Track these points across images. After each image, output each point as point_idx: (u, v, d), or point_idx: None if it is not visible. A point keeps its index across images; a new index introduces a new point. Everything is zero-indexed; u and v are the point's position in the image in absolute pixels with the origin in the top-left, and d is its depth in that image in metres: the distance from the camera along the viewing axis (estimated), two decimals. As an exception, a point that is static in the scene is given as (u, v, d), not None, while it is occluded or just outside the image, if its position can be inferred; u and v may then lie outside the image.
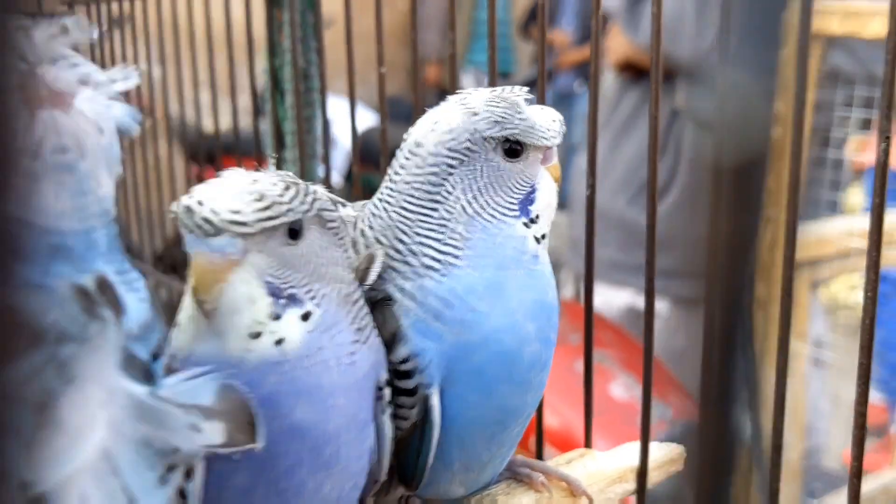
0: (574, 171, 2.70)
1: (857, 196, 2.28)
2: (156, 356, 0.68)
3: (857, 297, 2.84)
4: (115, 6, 2.10)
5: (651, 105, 0.94)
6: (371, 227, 0.86)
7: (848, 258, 1.95)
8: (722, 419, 0.59)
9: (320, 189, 0.79)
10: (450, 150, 0.84)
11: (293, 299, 0.75)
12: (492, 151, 0.84)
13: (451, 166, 0.84)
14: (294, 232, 0.75)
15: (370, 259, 0.84)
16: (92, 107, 0.64)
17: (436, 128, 0.84)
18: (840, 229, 1.97)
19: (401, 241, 0.84)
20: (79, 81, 0.65)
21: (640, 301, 2.32)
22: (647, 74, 2.33)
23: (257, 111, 1.60)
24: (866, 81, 2.11)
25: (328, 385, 0.77)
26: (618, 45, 2.39)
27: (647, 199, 0.96)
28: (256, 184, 0.74)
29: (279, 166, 1.60)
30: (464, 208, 0.84)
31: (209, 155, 2.07)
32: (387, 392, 0.83)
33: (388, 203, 0.86)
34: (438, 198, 0.84)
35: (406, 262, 0.84)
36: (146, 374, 0.65)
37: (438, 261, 0.83)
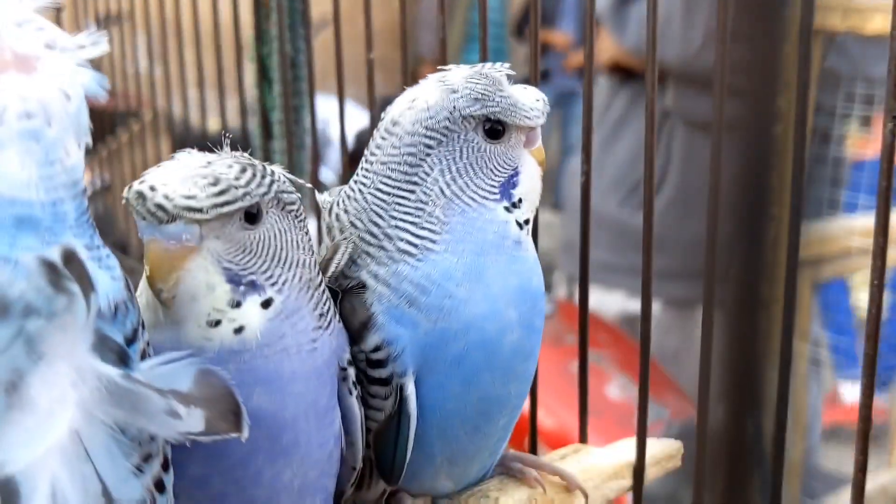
0: (569, 172, 2.69)
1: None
2: (130, 341, 0.64)
3: (856, 298, 2.83)
4: (104, 5, 2.09)
5: (647, 107, 0.91)
6: (346, 211, 0.83)
7: (849, 257, 1.93)
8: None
9: (278, 170, 0.77)
10: (427, 128, 0.80)
11: (253, 286, 0.73)
12: (472, 131, 0.81)
13: (429, 146, 0.81)
14: (252, 216, 0.73)
15: (335, 249, 0.82)
16: (58, 72, 0.61)
17: (413, 105, 0.81)
18: (841, 228, 1.95)
19: (376, 224, 0.81)
20: (45, 45, 0.61)
21: (631, 304, 2.31)
22: (636, 76, 2.35)
23: (245, 109, 1.57)
24: (867, 79, 2.10)
25: (288, 373, 0.75)
26: (605, 47, 2.38)
27: (644, 201, 0.92)
28: (210, 167, 0.72)
29: (267, 158, 1.58)
30: (442, 190, 0.81)
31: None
32: (351, 371, 0.81)
33: (364, 185, 0.83)
34: (416, 179, 0.81)
35: (381, 247, 0.81)
36: (120, 357, 0.62)
37: (415, 245, 0.80)
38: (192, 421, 0.62)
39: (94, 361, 0.60)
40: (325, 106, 1.50)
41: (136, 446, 0.63)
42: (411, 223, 0.80)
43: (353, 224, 0.82)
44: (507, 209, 0.83)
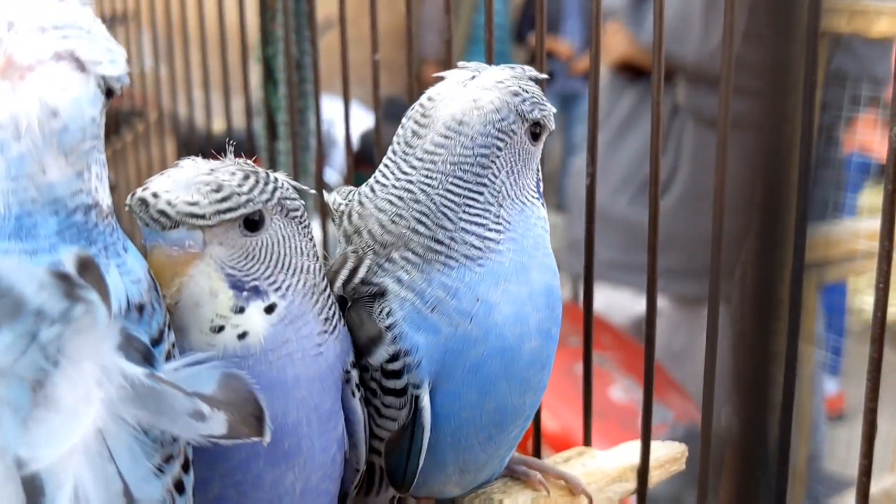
0: (573, 171, 2.68)
1: (872, 197, 2.26)
2: (156, 342, 0.65)
3: (861, 301, 2.83)
4: (110, 5, 2.09)
5: (653, 103, 0.91)
6: (400, 216, 0.79)
7: (854, 260, 1.93)
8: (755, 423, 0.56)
9: (282, 176, 0.77)
10: (499, 130, 0.80)
11: (256, 291, 0.74)
12: (524, 133, 0.82)
13: (499, 148, 0.80)
14: (254, 223, 0.73)
15: (344, 261, 0.81)
16: (52, 85, 0.60)
17: (479, 106, 0.79)
18: (846, 231, 1.95)
19: (443, 227, 0.79)
20: (54, 55, 0.60)
21: (640, 303, 2.30)
22: (645, 74, 2.34)
23: (250, 110, 1.58)
24: (872, 81, 2.09)
25: (291, 378, 0.75)
26: (617, 43, 2.37)
27: (650, 199, 0.92)
28: (213, 173, 0.72)
29: (272, 159, 1.58)
30: (507, 192, 0.81)
31: (203, 154, 2.05)
32: (354, 373, 0.81)
33: (429, 185, 0.79)
34: (485, 181, 0.80)
35: (438, 251, 0.79)
36: (145, 358, 0.63)
37: (479, 248, 0.79)
38: (215, 424, 0.63)
39: (119, 360, 0.60)
40: (330, 107, 1.50)
41: (158, 447, 0.63)
42: (479, 225, 0.80)
43: (414, 230, 0.79)
44: (543, 205, 0.85)
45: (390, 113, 1.28)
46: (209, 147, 0.77)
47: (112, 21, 2.26)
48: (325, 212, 1.29)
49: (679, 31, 2.14)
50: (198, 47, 1.69)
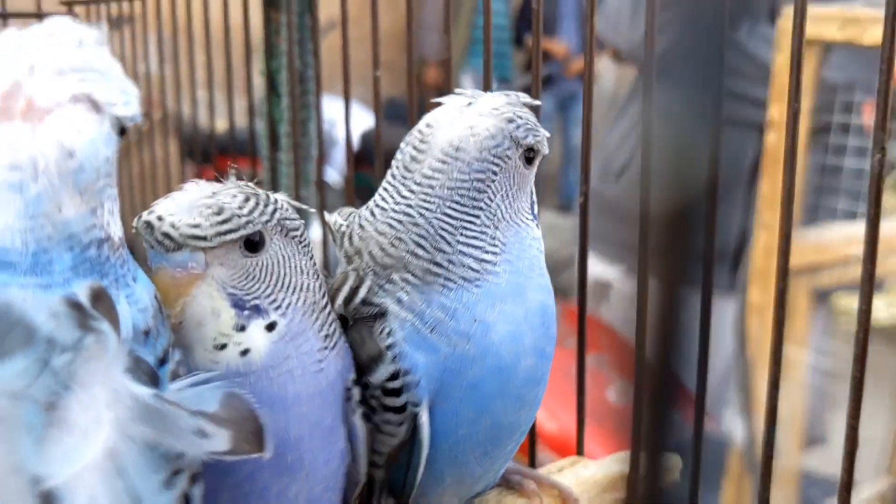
0: (576, 172, 2.71)
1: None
2: (162, 362, 0.68)
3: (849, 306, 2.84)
4: (115, 6, 2.10)
5: (643, 96, 0.93)
6: (400, 240, 0.82)
7: (848, 265, 1.94)
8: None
9: (281, 198, 0.80)
10: (494, 156, 0.82)
11: (257, 310, 0.76)
12: (518, 158, 0.84)
13: (494, 172, 0.83)
14: (254, 243, 0.76)
15: (344, 279, 0.84)
16: (69, 127, 0.62)
17: (475, 133, 0.82)
18: (840, 236, 1.96)
19: (441, 250, 0.82)
20: (71, 98, 0.63)
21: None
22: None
23: (253, 111, 1.60)
24: (864, 88, 2.11)
25: (292, 394, 0.77)
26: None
27: (641, 190, 0.94)
28: (215, 196, 0.75)
29: (273, 168, 1.60)
30: (503, 214, 0.84)
31: (206, 154, 2.07)
32: (355, 391, 0.83)
33: (427, 209, 0.82)
34: (482, 205, 0.83)
35: (437, 274, 0.81)
36: (151, 379, 0.65)
37: (476, 270, 0.82)
38: (218, 441, 0.65)
39: (128, 383, 0.63)
40: (331, 107, 1.52)
41: (165, 463, 0.65)
42: (476, 248, 0.82)
43: (413, 253, 0.81)
44: (537, 226, 0.88)
45: (391, 114, 1.30)
46: (212, 146, 0.80)
47: (118, 22, 2.27)
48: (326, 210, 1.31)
49: (614, 20, 2.23)
50: (202, 48, 1.70)
